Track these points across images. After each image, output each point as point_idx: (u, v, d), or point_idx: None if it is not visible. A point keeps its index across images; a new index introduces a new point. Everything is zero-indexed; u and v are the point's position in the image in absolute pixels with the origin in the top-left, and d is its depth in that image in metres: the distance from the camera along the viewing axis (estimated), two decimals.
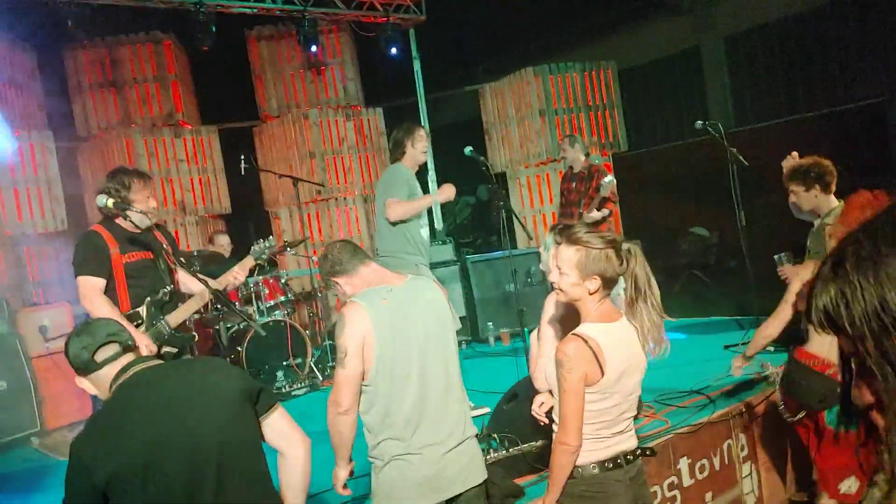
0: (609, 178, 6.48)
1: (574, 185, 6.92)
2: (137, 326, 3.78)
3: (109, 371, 2.22)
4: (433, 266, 7.73)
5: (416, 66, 9.83)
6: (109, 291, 3.82)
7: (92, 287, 3.75)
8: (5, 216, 7.51)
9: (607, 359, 2.44)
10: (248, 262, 4.37)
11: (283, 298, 6.95)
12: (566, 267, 2.51)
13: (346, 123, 9.71)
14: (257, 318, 6.75)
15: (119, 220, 3.86)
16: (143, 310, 3.84)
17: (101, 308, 3.69)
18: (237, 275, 4.27)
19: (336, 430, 2.75)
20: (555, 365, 2.50)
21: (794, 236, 4.64)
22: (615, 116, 9.29)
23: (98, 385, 2.25)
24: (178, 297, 4.08)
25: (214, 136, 9.65)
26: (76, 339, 2.23)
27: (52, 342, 6.05)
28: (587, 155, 7.10)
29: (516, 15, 9.99)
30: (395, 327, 2.74)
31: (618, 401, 2.52)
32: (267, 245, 4.49)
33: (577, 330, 2.51)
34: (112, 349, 2.21)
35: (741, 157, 5.41)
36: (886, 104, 5.98)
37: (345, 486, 2.87)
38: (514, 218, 6.46)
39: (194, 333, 4.39)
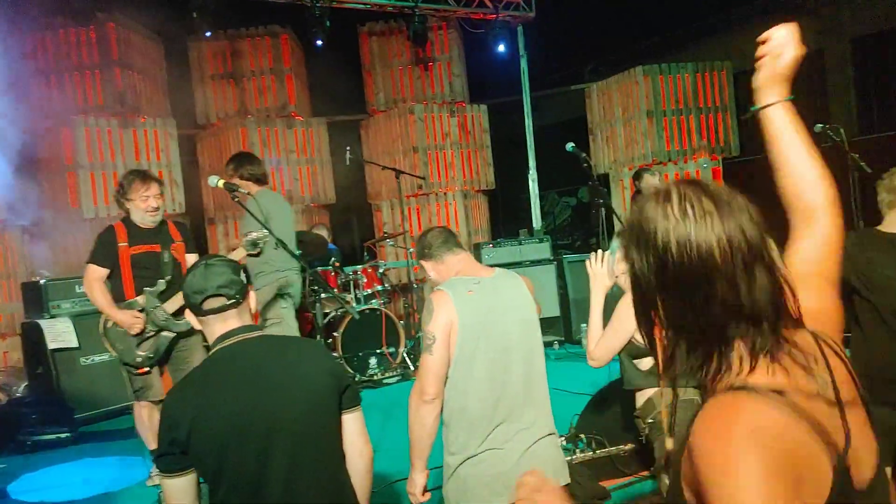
0: None
1: None
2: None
3: (213, 322, 2.30)
4: (530, 264, 7.72)
5: (523, 63, 9.79)
6: (115, 280, 4.34)
7: (92, 273, 4.29)
8: None
9: None
10: (240, 253, 4.42)
11: (379, 288, 7.10)
12: None
13: (451, 119, 9.79)
14: (354, 305, 6.93)
15: (133, 217, 4.33)
16: (141, 299, 4.30)
17: (96, 294, 4.27)
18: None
19: (419, 423, 2.68)
20: None
21: None
22: (727, 120, 8.95)
23: (204, 328, 2.35)
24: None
25: (323, 129, 9.94)
26: (192, 279, 2.31)
27: None
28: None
29: (627, 13, 9.76)
30: (479, 318, 2.71)
31: None
32: (261, 236, 4.45)
33: None
34: (218, 301, 2.29)
35: (863, 164, 5.09)
36: None
37: (424, 491, 2.74)
38: (614, 217, 6.30)
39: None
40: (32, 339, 5.99)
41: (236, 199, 3.97)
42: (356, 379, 6.36)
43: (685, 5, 9.29)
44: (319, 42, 8.21)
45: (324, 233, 7.69)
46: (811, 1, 10.17)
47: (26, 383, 6.10)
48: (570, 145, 4.80)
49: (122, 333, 4.27)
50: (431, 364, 2.69)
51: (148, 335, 4.33)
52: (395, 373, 6.70)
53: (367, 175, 10.11)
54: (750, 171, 8.70)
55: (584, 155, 4.55)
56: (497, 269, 3.11)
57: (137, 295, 4.35)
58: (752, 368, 1.10)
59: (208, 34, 8.43)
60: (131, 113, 8.36)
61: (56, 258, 7.74)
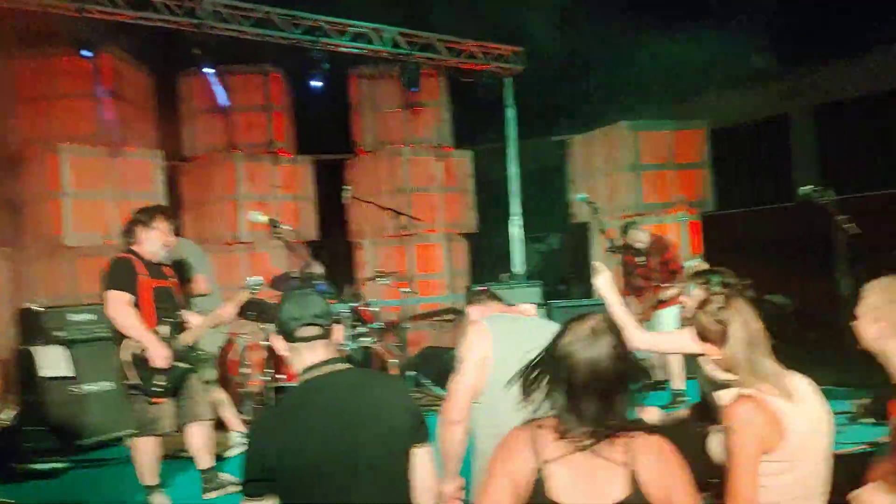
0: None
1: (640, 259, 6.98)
2: None
3: (303, 350, 2.38)
4: None
5: (510, 113, 10.08)
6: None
7: (120, 299, 4.27)
8: (110, 227, 7.86)
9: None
10: (243, 295, 4.60)
11: (374, 326, 7.14)
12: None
13: (437, 163, 9.99)
14: (349, 343, 6.94)
15: (140, 250, 4.40)
16: (163, 329, 4.35)
17: (131, 319, 4.23)
18: (228, 310, 4.62)
19: (445, 441, 2.82)
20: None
21: None
22: (704, 176, 9.36)
23: (292, 356, 2.42)
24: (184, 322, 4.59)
25: (309, 167, 10.02)
26: (289, 306, 2.40)
27: None
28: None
29: (610, 72, 10.19)
30: (514, 354, 2.83)
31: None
32: (256, 282, 4.68)
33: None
34: (313, 331, 2.37)
35: (851, 226, 5.43)
36: None
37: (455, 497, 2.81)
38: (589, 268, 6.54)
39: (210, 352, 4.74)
40: (25, 366, 5.88)
41: (279, 236, 4.05)
42: None
43: (664, 66, 9.75)
44: (318, 83, 8.35)
45: (318, 269, 7.72)
46: (778, 69, 10.76)
47: (16, 411, 5.94)
48: (581, 195, 5.00)
49: (145, 361, 4.26)
50: (457, 386, 2.86)
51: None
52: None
53: (350, 213, 10.19)
54: (724, 224, 9.11)
55: (595, 204, 4.76)
56: (537, 312, 3.29)
57: (156, 327, 4.36)
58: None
59: (207, 70, 8.48)
60: (119, 142, 8.31)
61: (37, 286, 7.58)
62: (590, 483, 1.81)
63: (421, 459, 2.40)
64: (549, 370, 1.96)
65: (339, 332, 2.50)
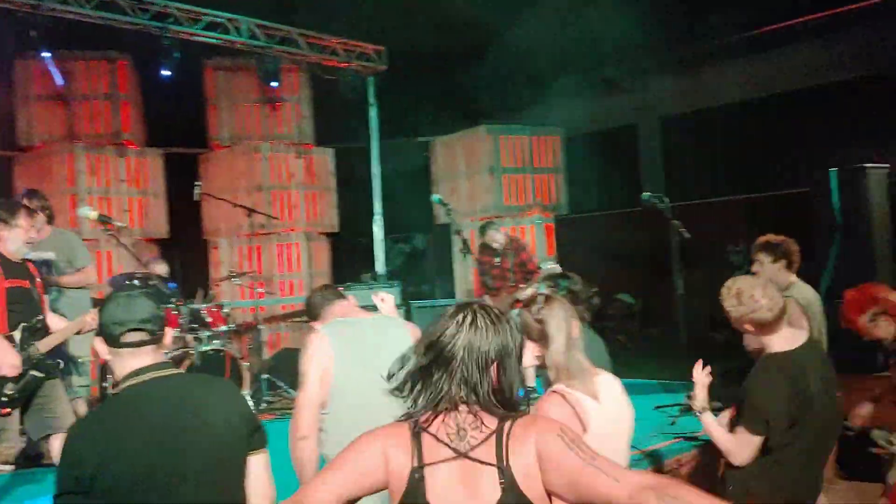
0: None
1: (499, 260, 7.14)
2: None
3: (127, 356, 2.21)
4: (376, 308, 7.80)
5: (373, 112, 10.04)
6: None
7: None
8: None
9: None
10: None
11: (224, 328, 6.87)
12: None
13: (297, 161, 9.77)
14: (195, 345, 6.65)
15: (8, 246, 4.05)
16: (17, 334, 4.01)
17: None
18: (93, 315, 4.32)
19: (296, 457, 2.76)
20: None
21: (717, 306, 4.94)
22: (559, 181, 9.73)
23: (114, 362, 2.25)
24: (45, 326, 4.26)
25: (159, 160, 9.52)
26: (114, 309, 2.21)
27: None
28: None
29: (471, 75, 10.38)
30: (357, 358, 2.81)
31: None
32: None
33: None
34: (139, 336, 2.21)
35: (684, 230, 5.79)
36: (812, 195, 6.52)
37: None
38: (452, 268, 6.69)
39: (59, 361, 4.37)
40: None
41: (110, 233, 3.78)
42: None
43: (522, 71, 10.05)
44: (167, 73, 7.93)
45: (162, 268, 7.32)
46: (627, 81, 11.38)
47: None
48: (436, 196, 5.03)
49: None
50: (303, 402, 2.80)
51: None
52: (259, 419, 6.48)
53: (204, 211, 9.77)
54: (577, 227, 9.52)
55: (449, 206, 4.81)
56: (377, 313, 3.26)
57: (9, 331, 3.98)
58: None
59: (44, 54, 7.86)
60: None
61: None
62: (466, 485, 1.74)
63: (256, 466, 2.31)
64: (424, 362, 1.82)
65: (169, 335, 2.36)
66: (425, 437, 1.76)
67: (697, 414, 3.04)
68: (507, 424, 1.74)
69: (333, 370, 2.80)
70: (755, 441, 2.86)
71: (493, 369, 1.78)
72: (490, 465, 1.71)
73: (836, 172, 6.12)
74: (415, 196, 11.18)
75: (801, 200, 6.66)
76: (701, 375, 3.08)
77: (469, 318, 1.80)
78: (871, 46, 9.21)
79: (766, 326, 2.95)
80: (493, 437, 1.73)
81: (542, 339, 2.52)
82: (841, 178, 6.08)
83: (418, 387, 1.83)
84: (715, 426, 3.00)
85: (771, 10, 9.44)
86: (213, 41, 8.71)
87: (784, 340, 2.98)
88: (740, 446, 2.89)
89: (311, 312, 3.22)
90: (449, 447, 1.73)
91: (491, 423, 1.75)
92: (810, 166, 7.40)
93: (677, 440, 4.84)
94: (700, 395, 3.04)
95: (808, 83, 9.76)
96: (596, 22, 9.03)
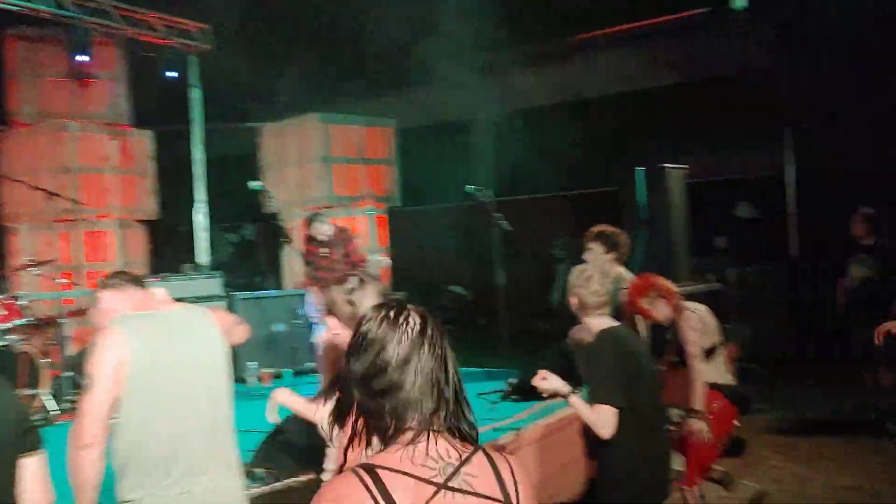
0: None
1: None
2: None
3: None
4: (196, 300, 7.42)
5: (196, 93, 9.53)
6: None
7: None
8: None
9: None
10: None
11: (20, 322, 6.25)
12: None
13: (111, 142, 9.07)
14: None
15: None
16: None
17: None
18: None
19: (76, 468, 2.47)
20: None
21: (545, 295, 5.19)
22: (392, 173, 9.73)
23: None
24: None
25: None
26: None
27: None
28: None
29: (302, 61, 10.16)
30: (157, 356, 2.60)
31: None
32: None
33: None
34: None
35: (505, 223, 5.97)
36: (620, 192, 6.98)
37: None
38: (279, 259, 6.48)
39: None
40: None
41: None
42: None
43: (355, 60, 9.97)
44: None
45: None
46: (463, 77, 11.60)
47: None
48: (255, 183, 4.82)
49: None
50: (89, 406, 2.50)
51: None
52: (34, 419, 5.91)
53: (3, 193, 8.83)
54: (410, 219, 9.59)
55: (269, 193, 4.61)
56: (179, 304, 3.04)
57: None
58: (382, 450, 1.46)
59: None
60: None
61: None
62: None
63: (29, 470, 2.14)
64: (365, 398, 1.46)
65: None
66: (394, 477, 1.39)
67: (566, 397, 3.27)
68: (483, 449, 1.50)
69: (128, 372, 2.54)
70: (613, 411, 3.11)
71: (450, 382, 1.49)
72: (496, 500, 1.45)
73: (641, 172, 6.57)
74: (245, 184, 10.74)
75: (613, 196, 7.10)
76: (543, 383, 3.29)
77: (411, 326, 1.48)
78: (677, 57, 10.01)
79: (599, 307, 3.34)
80: (486, 465, 1.47)
81: (352, 321, 2.47)
82: (646, 176, 6.53)
83: (360, 425, 1.47)
84: (582, 405, 3.21)
85: (586, 20, 10.08)
86: (15, 8, 7.91)
87: (608, 322, 3.38)
88: (604, 419, 3.11)
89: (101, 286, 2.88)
90: (431, 483, 1.40)
91: (464, 449, 1.47)
92: (622, 166, 7.92)
93: (496, 425, 4.99)
94: (556, 383, 3.25)
95: (621, 88, 10.46)
96: (434, 17, 9.14)
